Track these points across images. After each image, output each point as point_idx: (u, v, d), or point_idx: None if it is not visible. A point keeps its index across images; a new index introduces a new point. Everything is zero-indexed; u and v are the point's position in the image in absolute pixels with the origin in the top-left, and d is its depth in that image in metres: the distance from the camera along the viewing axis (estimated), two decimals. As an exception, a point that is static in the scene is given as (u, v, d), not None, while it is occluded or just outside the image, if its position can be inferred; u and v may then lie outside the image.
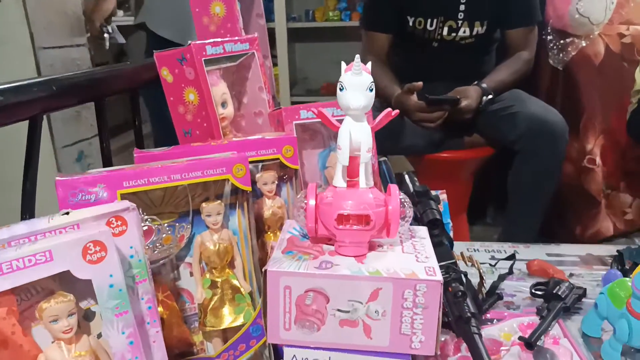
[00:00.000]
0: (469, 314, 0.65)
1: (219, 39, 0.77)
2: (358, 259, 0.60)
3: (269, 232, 0.76)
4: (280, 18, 2.39)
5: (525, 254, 1.04)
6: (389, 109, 0.63)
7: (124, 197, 0.58)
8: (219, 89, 0.78)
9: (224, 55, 0.78)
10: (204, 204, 0.65)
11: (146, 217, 0.61)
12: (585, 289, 0.80)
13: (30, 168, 0.69)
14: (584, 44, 1.75)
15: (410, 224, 0.65)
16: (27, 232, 0.43)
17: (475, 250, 1.06)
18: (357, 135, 0.59)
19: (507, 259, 0.94)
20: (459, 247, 1.00)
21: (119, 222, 0.49)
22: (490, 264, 0.95)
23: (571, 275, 0.92)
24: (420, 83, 1.29)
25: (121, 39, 1.65)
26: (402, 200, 0.63)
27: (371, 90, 0.58)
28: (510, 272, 0.90)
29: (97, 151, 2.00)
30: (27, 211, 0.69)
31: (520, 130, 1.27)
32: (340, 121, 0.61)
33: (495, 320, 0.80)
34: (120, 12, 3.25)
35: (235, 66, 0.83)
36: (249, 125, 0.90)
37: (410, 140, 1.39)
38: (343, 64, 0.60)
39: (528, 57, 1.48)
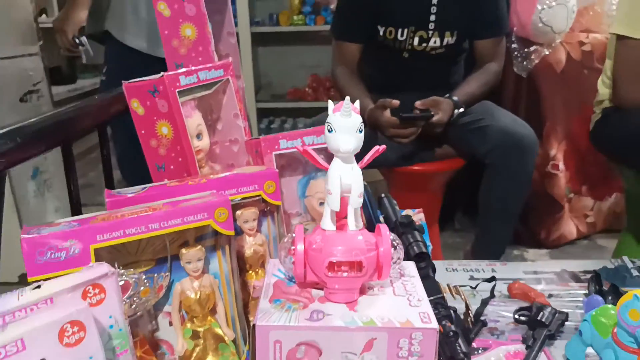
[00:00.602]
0: (461, 355, 0.63)
1: (193, 68, 0.73)
2: (350, 305, 0.58)
3: (250, 271, 0.73)
4: (244, 22, 2.33)
5: (503, 273, 1.04)
6: (377, 147, 0.61)
7: (97, 251, 0.54)
8: (194, 121, 0.73)
9: (198, 84, 0.74)
10: (183, 250, 0.61)
11: (122, 270, 0.56)
12: (567, 314, 0.81)
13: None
14: (546, 52, 1.78)
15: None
16: (-6, 314, 0.38)
17: (453, 270, 1.06)
18: (347, 178, 0.56)
19: (488, 280, 0.94)
20: (436, 266, 0.99)
21: (97, 291, 0.45)
22: (470, 286, 0.95)
23: (550, 296, 0.92)
24: (397, 101, 1.28)
25: (91, 52, 1.56)
26: (393, 241, 0.61)
27: (361, 131, 0.56)
28: (492, 295, 0.90)
29: (55, 165, 1.90)
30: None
31: (491, 143, 1.28)
32: (323, 153, 0.58)
33: (481, 349, 0.79)
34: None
35: (210, 94, 0.79)
36: (224, 153, 0.86)
37: (383, 154, 1.37)
38: (330, 103, 0.57)
39: (497, 69, 1.49)
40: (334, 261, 0.56)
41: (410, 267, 0.68)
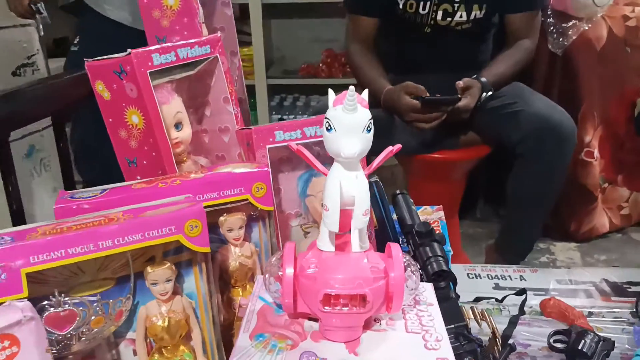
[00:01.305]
0: (488, 404, 0.52)
1: (169, 44, 0.60)
2: (350, 346, 0.47)
3: (236, 287, 0.62)
4: (255, -8, 2.18)
5: (533, 281, 0.92)
6: (390, 148, 0.48)
7: (31, 276, 0.43)
8: (172, 108, 0.61)
9: (178, 63, 0.62)
10: (148, 269, 0.50)
11: (65, 298, 0.45)
12: (613, 342, 0.68)
13: None
14: (585, 28, 1.61)
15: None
16: None
17: (476, 277, 0.94)
18: (350, 189, 0.44)
19: (517, 294, 0.82)
20: (457, 271, 0.86)
21: (7, 343, 0.34)
22: (496, 299, 0.83)
23: (590, 314, 0.80)
24: (423, 88, 1.14)
25: (49, 21, 1.38)
26: (407, 266, 0.48)
27: (369, 130, 0.43)
28: (522, 312, 0.77)
29: (52, 145, 1.81)
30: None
31: (524, 131, 1.14)
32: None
33: (508, 380, 0.67)
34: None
35: (193, 75, 0.66)
36: (214, 143, 0.74)
37: (401, 140, 1.22)
38: (331, 92, 0.44)
39: (530, 46, 1.32)
40: (332, 294, 0.44)
41: (428, 291, 0.56)
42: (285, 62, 2.51)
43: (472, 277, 0.94)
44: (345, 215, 0.46)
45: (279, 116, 2.39)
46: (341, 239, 0.49)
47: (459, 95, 1.15)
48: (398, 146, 0.49)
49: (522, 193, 1.21)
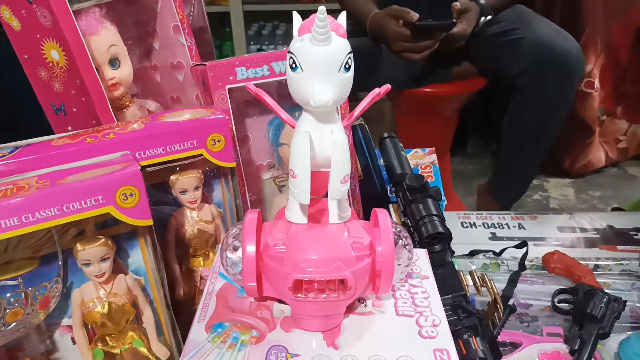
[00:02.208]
0: (490, 390, 0.44)
1: (93, -46, 0.47)
2: (328, 336, 0.38)
3: (196, 256, 0.52)
4: None
5: (533, 230, 0.84)
6: (376, 90, 0.37)
7: None
8: (103, 39, 0.49)
9: (107, -20, 0.49)
10: (78, 246, 0.41)
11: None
12: (624, 302, 0.61)
13: None
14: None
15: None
16: None
17: (471, 225, 0.85)
18: (323, 148, 0.34)
19: (518, 247, 0.74)
20: (450, 219, 0.78)
21: None
22: (493, 252, 0.75)
23: (596, 267, 0.73)
24: (415, 14, 0.99)
25: None
26: (397, 234, 0.39)
27: (347, 68, 0.32)
28: (523, 268, 0.70)
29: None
30: None
31: (526, 61, 1.01)
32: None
33: (509, 346, 0.61)
34: None
35: (131, -3, 0.53)
36: (167, 83, 0.62)
37: (389, 73, 1.12)
38: (296, 16, 0.33)
39: (534, -38, 1.17)
40: (304, 279, 0.35)
41: (422, 259, 0.47)
42: (263, -14, 2.30)
43: (467, 227, 0.85)
44: (319, 178, 0.36)
45: (257, 46, 2.21)
46: (316, 205, 0.39)
47: (454, 20, 1.02)
48: (387, 87, 0.38)
49: (520, 130, 1.10)
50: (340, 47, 0.31)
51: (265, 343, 0.37)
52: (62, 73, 0.47)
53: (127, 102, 0.53)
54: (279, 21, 2.27)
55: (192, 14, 0.68)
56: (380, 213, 0.39)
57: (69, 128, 0.51)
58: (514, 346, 0.61)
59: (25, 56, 0.48)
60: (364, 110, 0.37)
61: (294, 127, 0.36)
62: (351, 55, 0.31)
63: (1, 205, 0.35)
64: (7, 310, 0.38)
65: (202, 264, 0.52)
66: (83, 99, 0.48)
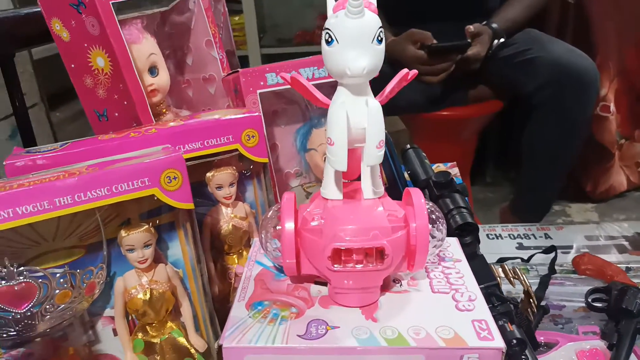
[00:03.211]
0: (531, 373, 0.44)
1: (136, -29, 0.51)
2: (366, 311, 0.39)
3: (231, 254, 0.54)
4: (244, -45, 2.06)
5: (559, 239, 0.84)
6: (405, 70, 0.39)
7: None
8: (144, 48, 0.53)
9: (147, -5, 0.53)
10: (122, 232, 0.42)
11: (20, 269, 0.37)
12: (661, 297, 0.61)
13: None
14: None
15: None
16: None
17: (497, 237, 0.86)
18: (358, 118, 0.36)
19: (545, 252, 0.74)
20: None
21: None
22: (521, 259, 0.75)
23: (628, 269, 0.72)
24: (429, 34, 1.03)
25: None
26: (431, 213, 0.40)
27: (380, 41, 0.34)
28: (553, 271, 0.70)
29: (39, 124, 1.72)
30: None
31: (542, 78, 1.04)
32: (329, 91, 0.38)
33: (544, 345, 0.60)
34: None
35: (168, 12, 0.57)
36: (199, 96, 0.65)
37: (406, 97, 1.14)
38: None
39: (544, -12, 1.22)
40: (342, 247, 0.36)
41: (453, 245, 0.48)
42: (279, 30, 2.39)
43: (493, 238, 0.86)
44: (354, 159, 0.38)
45: (276, 87, 2.28)
46: (349, 187, 0.40)
47: (469, 41, 1.05)
48: (414, 71, 0.40)
49: (540, 148, 1.12)
50: (373, 20, 0.33)
51: (305, 318, 0.38)
52: (106, 79, 0.51)
53: (164, 110, 0.57)
54: (295, 62, 2.35)
55: (221, 35, 0.72)
56: (413, 191, 0.40)
57: (111, 133, 0.53)
58: (549, 346, 0.60)
59: (73, 65, 0.52)
60: (393, 90, 0.39)
61: (328, 107, 0.38)
62: (382, 29, 0.34)
63: (56, 185, 0.37)
64: (57, 291, 0.39)
65: (237, 261, 0.54)
66: (125, 102, 0.51)
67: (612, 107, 1.63)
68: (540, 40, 1.11)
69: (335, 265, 0.37)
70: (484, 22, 1.12)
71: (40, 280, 0.38)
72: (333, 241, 0.36)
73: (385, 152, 0.73)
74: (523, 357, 0.44)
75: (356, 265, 0.37)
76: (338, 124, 0.34)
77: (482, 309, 0.39)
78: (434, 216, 0.40)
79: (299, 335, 0.36)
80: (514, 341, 0.45)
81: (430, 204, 0.41)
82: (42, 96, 1.69)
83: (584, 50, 1.46)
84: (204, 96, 0.65)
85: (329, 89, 0.46)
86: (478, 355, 0.35)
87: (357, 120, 0.36)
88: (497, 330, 0.36)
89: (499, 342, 0.35)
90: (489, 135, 1.68)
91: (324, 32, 0.35)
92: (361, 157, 0.38)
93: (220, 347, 0.36)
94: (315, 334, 0.36)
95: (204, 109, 0.65)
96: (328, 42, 0.34)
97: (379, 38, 0.34)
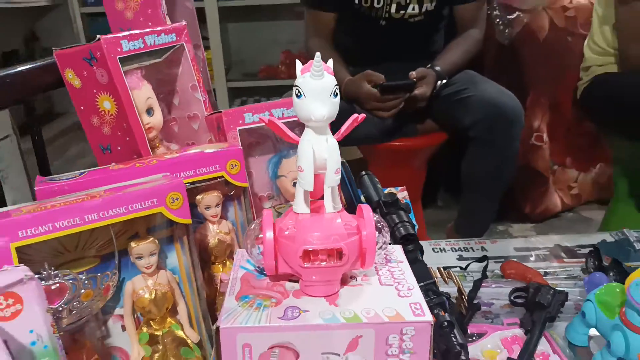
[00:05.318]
0: (458, 347, 0.56)
1: (137, 31, 0.62)
2: (330, 299, 0.50)
3: (216, 263, 0.64)
4: (211, -4, 2.20)
5: (494, 251, 0.98)
6: (355, 115, 0.52)
7: (21, 250, 0.44)
8: (142, 93, 0.64)
9: (145, 50, 0.64)
10: (132, 244, 0.52)
11: (55, 271, 0.47)
12: (567, 293, 0.74)
13: None
14: (529, 19, 1.71)
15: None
16: None
17: (441, 250, 0.99)
18: (321, 151, 0.48)
19: (479, 260, 0.87)
20: (423, 247, 0.91)
21: (11, 301, 0.35)
22: (460, 267, 0.88)
23: (546, 274, 0.86)
24: (382, 76, 1.19)
25: None
26: (377, 223, 0.52)
27: (335, 95, 0.47)
28: (484, 276, 0.83)
29: (10, 154, 1.76)
30: None
31: (475, 115, 1.21)
32: (293, 126, 0.50)
33: (475, 335, 0.72)
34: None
35: (161, 62, 0.69)
36: (184, 132, 0.76)
37: (363, 129, 1.28)
38: (298, 63, 0.48)
39: (478, 36, 1.41)
40: (310, 249, 0.48)
41: (397, 251, 0.60)
42: (244, 65, 2.53)
43: (437, 251, 0.99)
44: (318, 182, 0.50)
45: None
46: (314, 204, 0.52)
47: (414, 80, 1.21)
48: (362, 115, 0.53)
49: (476, 175, 1.27)
50: (330, 80, 0.46)
51: (282, 305, 0.49)
52: (111, 119, 0.61)
53: (157, 144, 0.67)
54: (260, 96, 2.49)
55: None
56: (364, 207, 0.52)
57: (113, 164, 0.64)
58: (480, 336, 0.72)
59: (82, 107, 0.62)
60: (347, 130, 0.52)
61: (297, 143, 0.50)
62: (337, 86, 0.46)
63: (84, 205, 0.47)
64: (82, 291, 0.49)
65: (221, 270, 0.64)
66: (127, 139, 0.62)
67: (545, 137, 1.83)
68: (475, 81, 1.29)
69: (305, 264, 0.48)
70: (429, 65, 1.28)
71: (70, 281, 0.48)
72: (303, 244, 0.48)
73: (343, 177, 0.86)
74: (452, 335, 0.57)
75: (321, 263, 0.48)
76: (306, 156, 0.46)
77: (417, 296, 0.50)
78: (379, 225, 0.52)
79: (279, 318, 0.47)
80: (445, 323, 0.57)
81: (377, 217, 0.53)
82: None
83: (518, 87, 1.66)
84: (188, 132, 0.75)
85: (296, 125, 0.58)
86: (414, 327, 0.47)
87: (320, 153, 0.48)
88: (428, 310, 0.48)
89: (428, 317, 0.47)
90: (440, 163, 1.85)
91: (294, 89, 0.47)
92: (323, 180, 0.50)
93: (217, 328, 0.46)
94: (291, 316, 0.47)
95: (188, 143, 0.76)
96: (297, 96, 0.46)
97: (335, 93, 0.46)
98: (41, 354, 0.37)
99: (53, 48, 0.60)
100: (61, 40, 3.41)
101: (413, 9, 1.35)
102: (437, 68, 1.27)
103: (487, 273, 0.84)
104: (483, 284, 0.81)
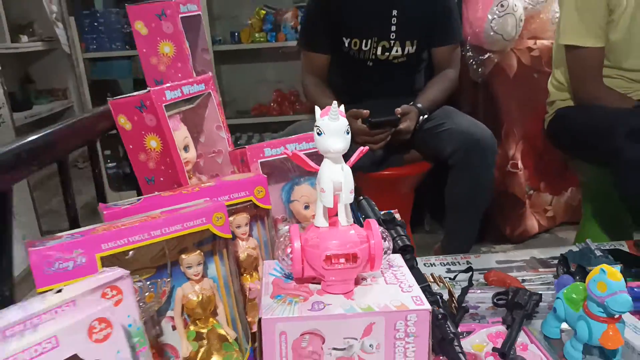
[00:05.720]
0: (452, 335, 0.68)
1: (176, 83, 0.76)
2: (347, 295, 0.62)
3: (245, 274, 0.76)
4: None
5: (478, 264, 1.11)
6: (362, 147, 0.65)
7: (103, 260, 0.56)
8: (181, 133, 0.76)
9: (183, 98, 0.77)
10: (183, 256, 0.64)
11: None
12: (541, 295, 0.87)
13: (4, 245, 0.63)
14: (499, 59, 1.89)
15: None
16: (23, 317, 0.40)
17: (431, 265, 1.11)
18: (337, 177, 0.61)
19: (465, 271, 1.00)
20: (416, 263, 1.04)
21: (115, 292, 0.47)
22: (449, 278, 1.00)
23: (523, 281, 0.99)
24: (367, 112, 1.34)
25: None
26: (382, 233, 0.65)
27: (348, 132, 0.60)
28: (470, 284, 0.95)
29: (19, 191, 1.85)
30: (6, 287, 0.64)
31: (453, 146, 1.36)
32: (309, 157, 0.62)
33: (465, 333, 0.84)
34: (24, 38, 3.05)
35: (194, 107, 0.82)
36: (208, 165, 0.89)
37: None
38: (317, 109, 0.61)
39: (454, 75, 1.58)
40: (330, 254, 0.60)
41: (398, 258, 0.72)
42: (238, 104, 2.68)
43: (428, 266, 1.11)
44: (334, 200, 0.62)
45: (235, 154, 2.53)
46: (330, 220, 0.65)
47: (399, 116, 1.37)
48: (366, 148, 0.66)
49: (457, 198, 1.42)
50: (344, 121, 0.59)
51: (309, 301, 0.61)
52: (156, 155, 0.73)
53: (191, 175, 0.80)
54: (253, 132, 2.63)
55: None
56: (371, 221, 0.65)
57: (156, 192, 0.76)
58: (469, 333, 0.84)
59: (131, 146, 0.74)
60: (356, 159, 0.65)
61: (317, 171, 0.63)
62: (348, 125, 0.60)
63: (150, 224, 0.59)
64: (147, 294, 0.60)
65: (249, 280, 0.75)
66: (169, 171, 0.74)
67: (520, 164, 1.99)
68: (452, 116, 1.45)
69: (327, 266, 0.60)
70: (412, 103, 1.44)
71: (139, 285, 0.59)
72: (326, 250, 0.60)
73: (365, 208, 0.98)
74: (446, 326, 0.69)
75: (339, 266, 0.61)
76: (327, 180, 0.59)
77: (417, 291, 0.63)
78: (384, 235, 0.65)
79: (308, 310, 0.59)
80: (440, 315, 0.69)
81: (381, 229, 0.66)
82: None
83: (493, 120, 1.82)
84: (212, 165, 0.88)
85: (310, 156, 0.71)
86: (416, 315, 0.59)
87: (336, 177, 0.61)
88: (427, 301, 0.61)
89: (428, 307, 0.59)
90: (425, 191, 1.99)
91: (315, 128, 0.60)
92: (338, 200, 0.63)
93: (260, 319, 0.58)
94: (317, 308, 0.59)
95: (212, 175, 0.89)
96: (318, 134, 0.59)
97: (347, 131, 0.60)
98: (135, 334, 0.48)
99: (108, 98, 0.73)
100: (55, 82, 3.54)
101: (397, 51, 1.52)
102: (419, 105, 1.43)
103: (473, 281, 0.97)
104: (470, 291, 0.93)
